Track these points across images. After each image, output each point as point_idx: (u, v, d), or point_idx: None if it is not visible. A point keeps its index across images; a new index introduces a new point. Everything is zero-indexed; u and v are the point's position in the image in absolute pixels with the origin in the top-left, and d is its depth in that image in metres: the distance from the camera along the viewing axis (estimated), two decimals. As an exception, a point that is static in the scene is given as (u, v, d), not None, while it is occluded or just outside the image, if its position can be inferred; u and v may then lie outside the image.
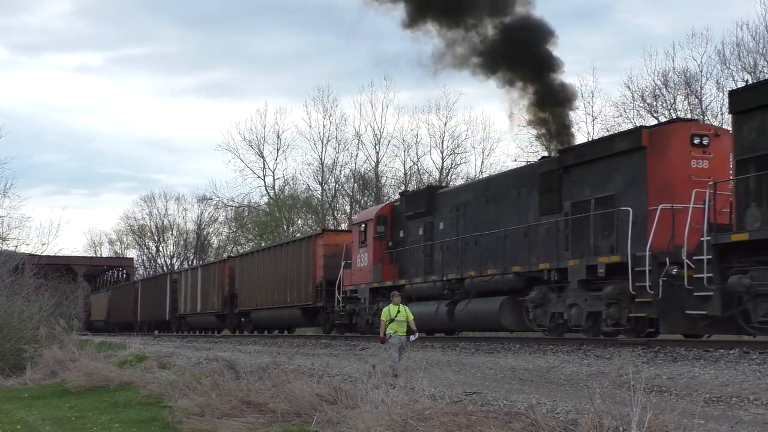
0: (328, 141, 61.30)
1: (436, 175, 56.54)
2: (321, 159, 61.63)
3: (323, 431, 9.73)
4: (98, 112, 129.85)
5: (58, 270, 57.14)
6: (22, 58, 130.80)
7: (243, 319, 40.78)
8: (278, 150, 65.52)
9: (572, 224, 18.70)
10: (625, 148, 17.63)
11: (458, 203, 23.57)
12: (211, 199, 73.16)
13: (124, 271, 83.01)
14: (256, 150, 65.66)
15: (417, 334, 16.24)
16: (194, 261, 77.46)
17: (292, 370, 14.26)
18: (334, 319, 29.89)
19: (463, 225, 23.06)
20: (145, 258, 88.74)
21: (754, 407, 9.38)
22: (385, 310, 15.80)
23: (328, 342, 26.06)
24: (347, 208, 60.50)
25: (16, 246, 43.81)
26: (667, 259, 15.86)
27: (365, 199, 59.57)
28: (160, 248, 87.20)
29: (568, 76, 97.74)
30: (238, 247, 62.62)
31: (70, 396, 17.94)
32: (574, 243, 18.54)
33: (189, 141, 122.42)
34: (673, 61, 42.52)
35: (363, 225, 27.65)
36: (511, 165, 47.05)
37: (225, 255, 60.63)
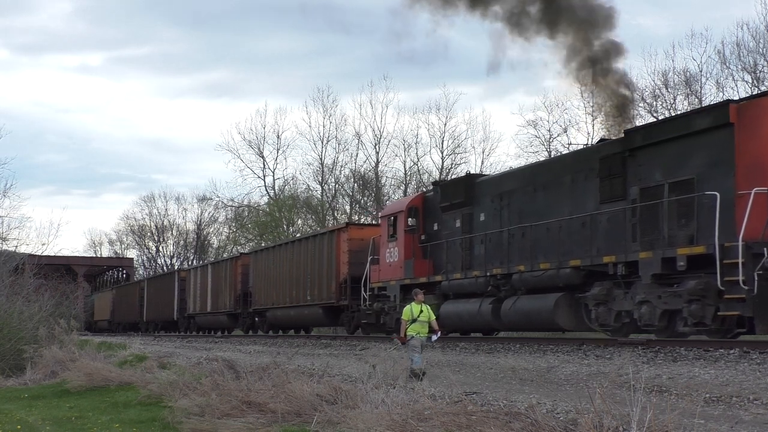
0: (328, 141, 61.33)
1: (436, 175, 56.53)
2: (321, 159, 61.66)
3: (323, 431, 9.73)
4: (98, 113, 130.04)
5: (58, 270, 57.14)
6: (23, 59, 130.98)
7: (257, 319, 38.89)
8: (278, 150, 65.57)
9: (641, 212, 16.82)
10: (707, 126, 15.77)
11: (501, 192, 21.58)
12: (211, 199, 73.27)
13: (124, 271, 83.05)
14: (256, 150, 65.72)
15: (439, 333, 15.30)
16: (194, 261, 77.43)
17: (292, 370, 14.26)
18: (359, 318, 28.04)
19: (508, 216, 21.15)
20: (145, 258, 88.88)
21: (754, 407, 9.38)
22: (407, 309, 14.85)
23: (328, 342, 26.03)
24: (347, 208, 60.49)
25: (16, 246, 43.84)
26: (766, 249, 14.21)
27: (365, 199, 59.58)
28: (160, 248, 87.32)
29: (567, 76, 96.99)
30: (239, 247, 62.55)
31: (70, 396, 17.96)
32: (643, 233, 16.67)
33: (189, 141, 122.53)
34: (673, 61, 42.64)
35: (392, 217, 25.79)
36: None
37: (226, 253, 60.66)
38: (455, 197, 23.28)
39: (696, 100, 40.76)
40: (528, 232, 20.13)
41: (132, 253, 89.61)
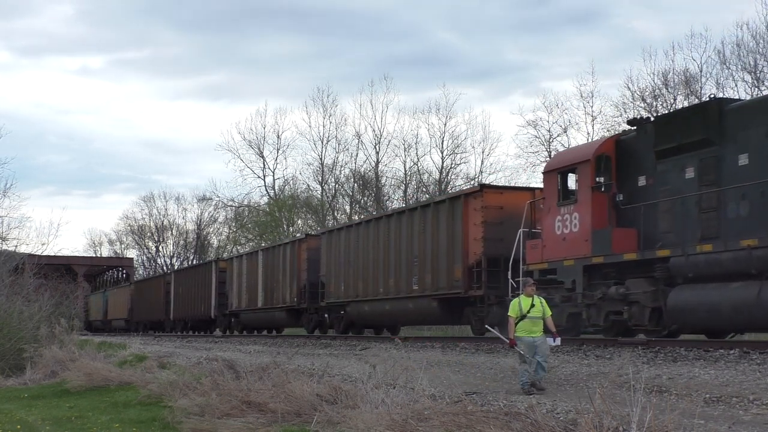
0: (328, 141, 61.40)
1: (436, 175, 56.58)
2: (321, 159, 61.72)
3: (323, 431, 9.73)
4: (99, 114, 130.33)
5: (58, 270, 57.14)
6: (24, 61, 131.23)
7: (328, 315, 31.64)
8: (278, 150, 65.67)
9: None
10: None
11: None
12: (211, 199, 73.33)
13: (124, 271, 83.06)
14: (256, 150, 65.83)
15: (559, 339, 12.35)
16: (194, 261, 77.44)
17: (292, 370, 14.26)
18: (496, 313, 20.72)
19: None
20: (144, 258, 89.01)
21: (754, 407, 9.37)
22: (514, 302, 12.14)
23: (328, 342, 26.03)
24: (347, 208, 60.53)
25: (16, 246, 43.84)
26: None
27: (365, 199, 59.60)
28: (160, 248, 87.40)
29: (565, 78, 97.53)
30: (239, 247, 62.55)
31: (70, 396, 17.96)
32: None
33: (189, 142, 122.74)
34: (673, 61, 42.66)
35: (561, 173, 18.85)
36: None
37: (226, 253, 60.20)
38: (687, 135, 16.25)
39: (696, 100, 40.83)
40: None
41: (132, 253, 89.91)
